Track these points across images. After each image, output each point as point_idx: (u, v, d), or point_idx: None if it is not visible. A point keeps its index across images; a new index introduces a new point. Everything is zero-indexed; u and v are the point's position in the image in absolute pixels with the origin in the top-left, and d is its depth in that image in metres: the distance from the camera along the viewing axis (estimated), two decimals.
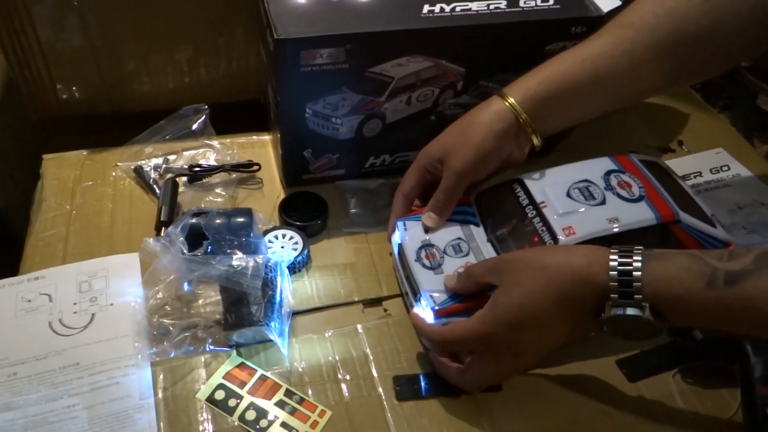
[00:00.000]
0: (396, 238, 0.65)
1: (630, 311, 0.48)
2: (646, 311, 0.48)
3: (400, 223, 0.64)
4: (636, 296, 0.48)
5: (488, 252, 0.61)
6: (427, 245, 0.62)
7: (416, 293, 0.60)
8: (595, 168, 0.62)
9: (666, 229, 0.57)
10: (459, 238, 0.62)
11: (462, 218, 0.64)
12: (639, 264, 0.48)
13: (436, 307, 0.57)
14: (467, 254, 0.61)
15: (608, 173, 0.61)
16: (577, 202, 0.59)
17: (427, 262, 0.60)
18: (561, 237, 0.56)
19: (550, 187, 0.60)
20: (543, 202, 0.59)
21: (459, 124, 0.63)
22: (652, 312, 0.48)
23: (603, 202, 0.58)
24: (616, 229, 0.56)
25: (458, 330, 0.54)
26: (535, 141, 0.61)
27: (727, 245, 0.59)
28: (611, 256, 0.49)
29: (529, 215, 0.59)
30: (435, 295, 0.58)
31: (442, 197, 0.62)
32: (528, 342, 0.53)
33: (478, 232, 0.62)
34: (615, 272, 0.49)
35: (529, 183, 0.61)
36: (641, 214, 0.58)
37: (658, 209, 0.58)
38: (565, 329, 0.52)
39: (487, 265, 0.56)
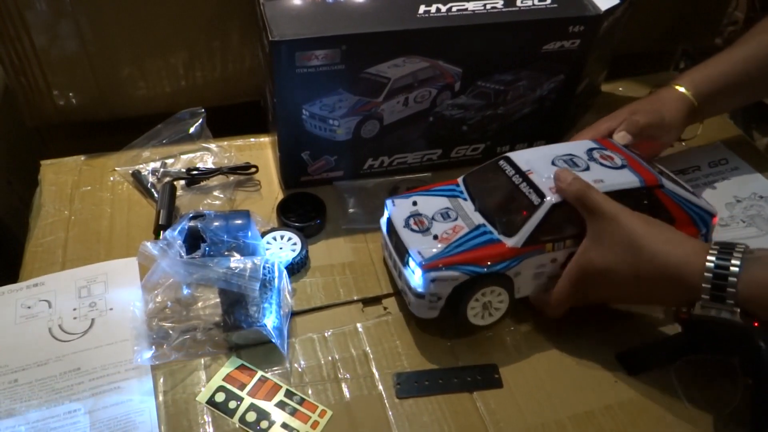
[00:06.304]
0: (384, 217, 0.66)
1: (720, 313, 0.50)
2: (737, 315, 0.49)
3: (388, 202, 0.65)
4: (728, 301, 0.49)
5: (477, 218, 0.62)
6: (415, 214, 0.63)
7: (403, 257, 0.60)
8: (578, 146, 0.65)
9: (650, 194, 0.59)
10: (447, 208, 0.63)
11: (450, 194, 0.65)
12: (737, 269, 0.49)
13: (424, 262, 0.57)
14: (455, 219, 0.62)
15: (591, 150, 0.64)
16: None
17: (415, 227, 0.61)
18: (549, 197, 0.58)
19: (536, 159, 0.63)
20: (529, 170, 0.61)
21: (646, 101, 0.72)
22: (741, 313, 0.49)
23: (587, 169, 0.61)
24: (602, 189, 0.58)
25: (557, 293, 0.60)
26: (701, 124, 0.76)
27: (711, 215, 0.62)
28: (709, 257, 0.50)
29: (516, 182, 0.61)
30: (422, 250, 0.58)
31: (637, 122, 0.69)
32: (610, 295, 0.60)
33: (467, 205, 0.64)
34: (710, 274, 0.50)
35: (514, 157, 0.63)
36: (625, 177, 0.60)
37: (641, 174, 0.60)
38: (643, 301, 0.61)
39: (598, 203, 0.57)
